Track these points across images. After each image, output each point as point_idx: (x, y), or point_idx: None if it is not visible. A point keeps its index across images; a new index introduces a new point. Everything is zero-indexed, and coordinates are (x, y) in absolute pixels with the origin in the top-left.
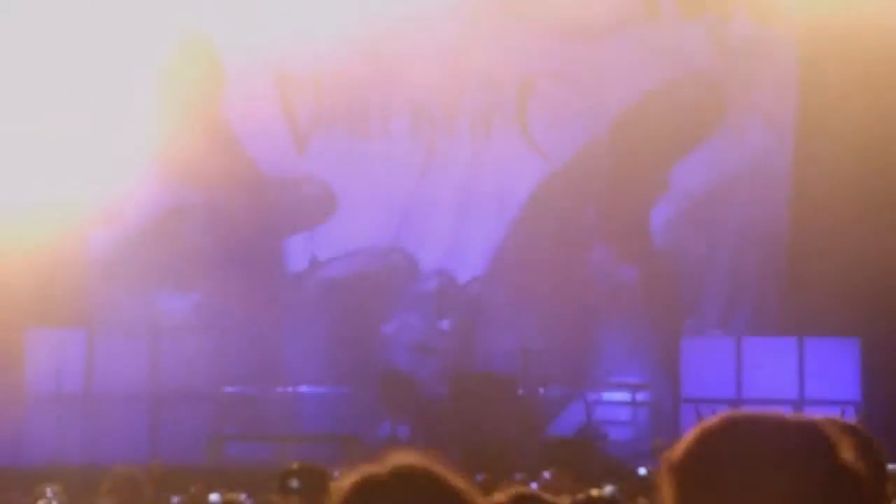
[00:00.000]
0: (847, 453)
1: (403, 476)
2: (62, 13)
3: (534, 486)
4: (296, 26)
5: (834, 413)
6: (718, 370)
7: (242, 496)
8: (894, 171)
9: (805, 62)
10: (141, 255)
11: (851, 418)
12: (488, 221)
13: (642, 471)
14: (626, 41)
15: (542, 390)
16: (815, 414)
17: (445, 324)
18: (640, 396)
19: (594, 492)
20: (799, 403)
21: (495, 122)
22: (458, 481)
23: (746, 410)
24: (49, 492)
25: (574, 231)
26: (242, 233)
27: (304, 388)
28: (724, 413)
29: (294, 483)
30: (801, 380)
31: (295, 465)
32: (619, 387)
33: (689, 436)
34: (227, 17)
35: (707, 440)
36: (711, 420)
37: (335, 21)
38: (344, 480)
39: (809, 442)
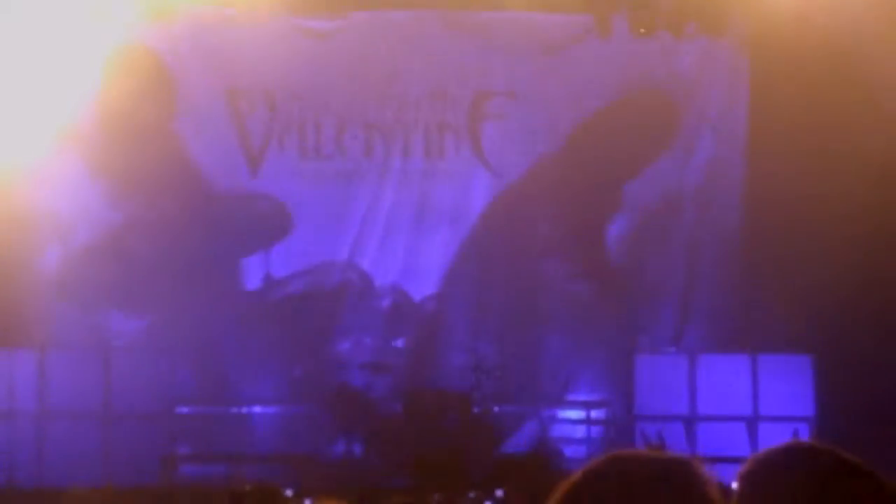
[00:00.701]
0: (714, 491)
1: None
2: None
3: None
4: (247, 42)
5: (787, 429)
6: (672, 387)
7: None
8: (847, 186)
9: (757, 78)
10: (92, 274)
11: (805, 435)
12: (443, 238)
13: None
14: (579, 58)
15: (496, 408)
16: (770, 430)
17: (400, 341)
18: (594, 414)
19: None
20: (753, 420)
21: (448, 139)
22: None
23: (629, 451)
24: None
25: (528, 247)
26: (196, 250)
27: (258, 408)
28: (608, 454)
29: None
30: (755, 397)
31: (248, 487)
32: (574, 404)
33: (575, 474)
34: (178, 31)
35: (591, 478)
36: (598, 458)
37: (285, 37)
38: None
39: (684, 478)
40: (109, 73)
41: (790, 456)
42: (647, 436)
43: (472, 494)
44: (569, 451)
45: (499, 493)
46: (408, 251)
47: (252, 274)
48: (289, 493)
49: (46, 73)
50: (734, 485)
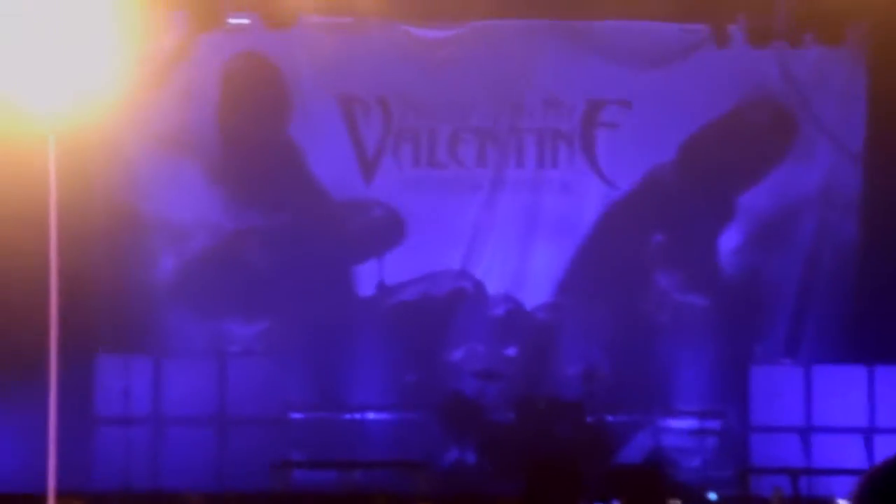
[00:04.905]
0: None
1: None
2: None
3: None
4: (361, 51)
5: None
6: (787, 398)
7: None
8: None
9: (874, 85)
10: (208, 281)
11: None
12: (555, 247)
13: (712, 496)
14: (694, 67)
15: (609, 417)
16: (886, 442)
17: (512, 350)
18: (708, 424)
19: None
20: (869, 432)
21: (561, 148)
22: None
23: None
24: None
25: (641, 257)
26: (310, 257)
27: (370, 414)
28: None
29: None
30: (872, 408)
31: None
32: (688, 414)
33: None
34: (294, 40)
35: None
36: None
37: (400, 46)
38: None
39: None
40: (227, 81)
41: None
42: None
43: None
44: (682, 462)
45: (614, 503)
46: (520, 260)
47: (365, 281)
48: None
49: (166, 82)
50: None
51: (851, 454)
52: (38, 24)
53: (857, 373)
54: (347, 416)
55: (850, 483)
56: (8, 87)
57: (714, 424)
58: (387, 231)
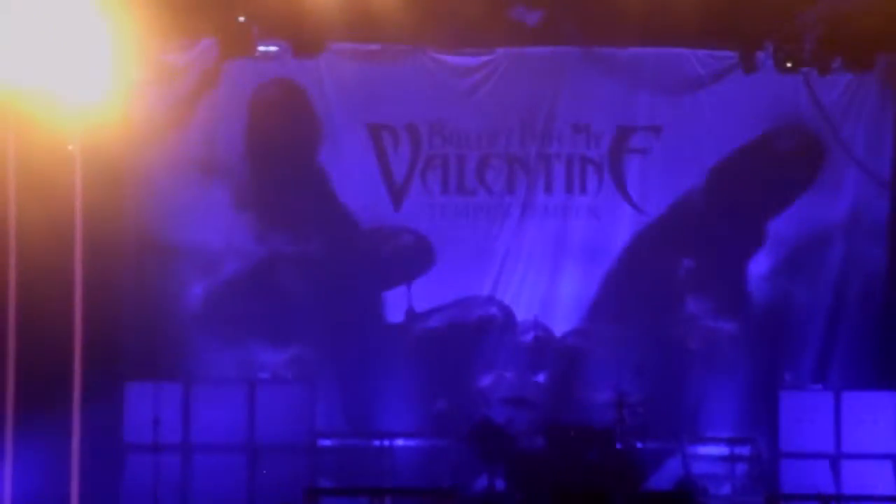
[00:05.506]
0: None
1: None
2: None
3: None
4: (390, 78)
5: None
6: (817, 424)
7: None
8: None
9: None
10: (237, 307)
11: None
12: (584, 273)
13: None
14: (723, 94)
15: (639, 444)
16: None
17: (541, 376)
18: (738, 450)
19: None
20: None
21: (590, 174)
22: None
23: None
24: None
25: (670, 283)
26: (339, 283)
27: (400, 441)
28: None
29: None
30: None
31: None
32: (717, 441)
33: None
34: (322, 66)
35: None
36: None
37: (428, 73)
38: None
39: None
40: (256, 108)
41: None
42: None
43: None
44: (712, 489)
45: None
46: (549, 286)
47: (394, 307)
48: None
49: (195, 108)
50: None
51: (881, 480)
52: (63, 30)
53: (887, 398)
54: (376, 443)
55: None
56: (34, 92)
57: (744, 451)
58: (416, 257)
